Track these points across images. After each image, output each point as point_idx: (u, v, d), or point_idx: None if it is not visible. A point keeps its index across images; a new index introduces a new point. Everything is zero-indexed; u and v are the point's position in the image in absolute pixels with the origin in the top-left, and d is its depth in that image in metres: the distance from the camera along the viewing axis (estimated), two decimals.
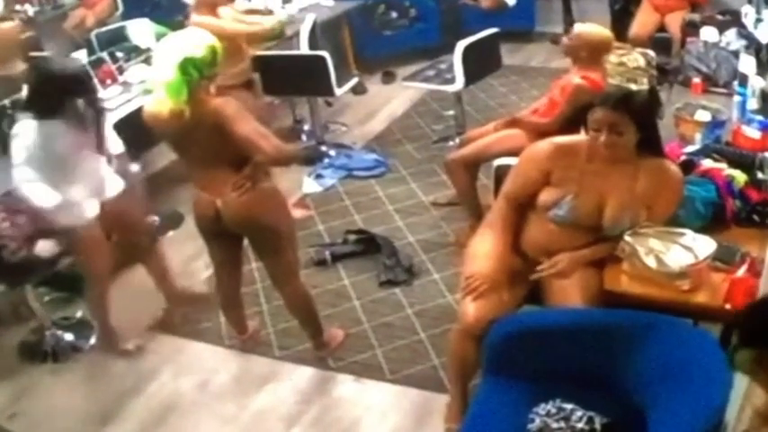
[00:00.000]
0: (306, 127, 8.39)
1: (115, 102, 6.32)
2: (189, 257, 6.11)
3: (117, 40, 7.30)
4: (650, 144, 3.80)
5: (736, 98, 5.15)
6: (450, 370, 4.28)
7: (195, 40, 4.04)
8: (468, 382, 4.11)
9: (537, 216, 3.99)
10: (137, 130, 5.72)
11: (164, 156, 6.86)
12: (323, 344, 4.99)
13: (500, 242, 4.04)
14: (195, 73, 3.98)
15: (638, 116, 3.68)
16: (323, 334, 4.97)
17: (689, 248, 3.62)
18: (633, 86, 5.40)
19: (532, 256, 4.05)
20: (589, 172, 3.83)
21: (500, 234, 4.06)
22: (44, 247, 4.87)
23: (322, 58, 7.15)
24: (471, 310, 3.85)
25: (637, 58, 5.70)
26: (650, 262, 3.61)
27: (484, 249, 4.04)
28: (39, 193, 4.59)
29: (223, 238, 4.60)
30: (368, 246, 6.06)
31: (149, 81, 4.09)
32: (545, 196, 3.91)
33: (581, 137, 3.93)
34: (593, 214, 3.83)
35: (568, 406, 3.35)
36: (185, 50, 3.96)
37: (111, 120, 5.77)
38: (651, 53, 5.89)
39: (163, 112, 4.00)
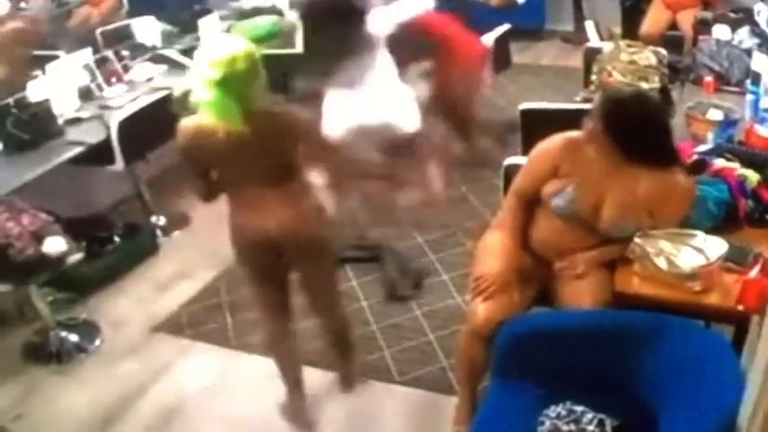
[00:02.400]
0: None
1: (120, 100, 6.29)
2: (194, 259, 6.11)
3: (122, 38, 7.27)
4: (654, 152, 3.75)
5: (749, 97, 5.09)
6: (458, 371, 4.24)
7: (232, 51, 3.57)
8: (477, 383, 4.07)
9: (544, 212, 3.96)
10: (142, 129, 5.74)
11: (169, 155, 6.84)
12: (352, 378, 4.69)
13: (509, 241, 4.00)
14: (241, 87, 3.58)
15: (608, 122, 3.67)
16: (354, 363, 4.68)
17: (700, 250, 3.57)
18: (644, 85, 5.37)
19: (541, 253, 4.03)
20: (594, 167, 3.79)
21: (509, 232, 4.02)
22: (53, 245, 4.84)
23: None
24: (481, 310, 3.82)
25: (648, 56, 5.67)
26: (661, 263, 3.56)
27: (493, 249, 4.01)
28: None
29: (271, 270, 4.14)
30: (375, 256, 5.96)
31: (191, 96, 3.67)
32: (549, 187, 3.88)
33: None
34: (591, 209, 3.80)
35: (579, 408, 3.32)
36: (223, 66, 3.53)
37: (116, 118, 5.76)
38: (663, 51, 5.84)
39: (216, 133, 3.61)
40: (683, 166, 3.94)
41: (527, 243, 4.06)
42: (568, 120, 4.01)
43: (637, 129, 3.67)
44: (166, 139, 5.96)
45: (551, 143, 3.95)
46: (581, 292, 3.79)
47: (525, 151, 4.41)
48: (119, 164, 5.91)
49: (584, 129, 3.78)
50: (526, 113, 5.31)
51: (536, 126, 4.74)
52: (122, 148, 5.81)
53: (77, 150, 5.59)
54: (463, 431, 4.01)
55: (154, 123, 5.79)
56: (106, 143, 5.76)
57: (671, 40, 7.39)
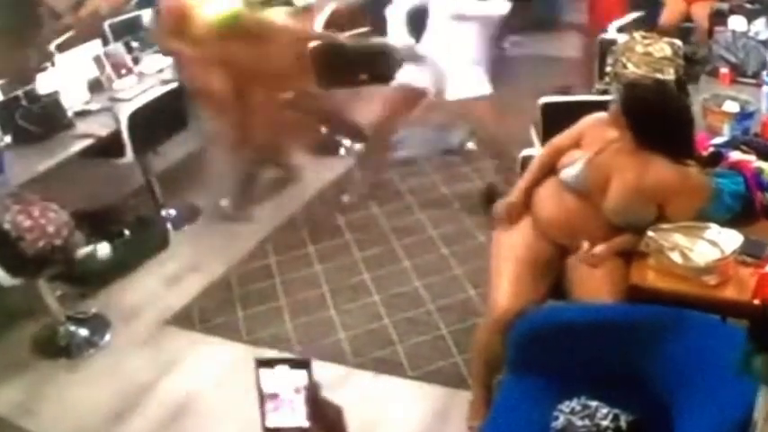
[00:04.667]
0: None
1: (130, 92, 6.27)
2: (205, 252, 6.09)
3: (132, 29, 7.24)
4: (669, 142, 3.74)
5: (765, 88, 5.05)
6: (474, 365, 4.23)
7: None
8: (492, 378, 4.07)
9: (557, 186, 3.99)
10: (152, 121, 5.72)
11: (179, 148, 6.83)
12: None
13: (523, 183, 4.16)
14: None
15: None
16: None
17: (715, 243, 3.54)
18: (659, 76, 5.33)
19: (556, 238, 4.01)
20: (610, 147, 3.83)
21: (526, 177, 4.17)
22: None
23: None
24: (502, 295, 3.85)
25: (663, 47, 5.62)
26: (676, 257, 3.53)
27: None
28: None
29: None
30: None
31: None
32: (567, 157, 3.96)
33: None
34: (598, 186, 3.80)
35: (593, 403, 3.28)
36: None
37: (125, 111, 5.75)
38: (678, 42, 5.80)
39: None
40: (698, 158, 3.92)
41: (544, 231, 4.04)
42: (588, 111, 4.12)
43: (654, 116, 3.72)
44: (176, 131, 5.97)
45: (590, 118, 4.08)
46: (597, 283, 3.77)
47: (545, 144, 4.42)
48: (129, 156, 5.89)
49: (609, 111, 3.88)
50: (547, 107, 5.29)
51: (557, 118, 4.72)
52: (132, 141, 5.79)
53: (87, 143, 5.57)
54: (477, 426, 3.97)
55: (164, 115, 5.79)
56: (116, 135, 5.74)
57: (686, 31, 7.36)
